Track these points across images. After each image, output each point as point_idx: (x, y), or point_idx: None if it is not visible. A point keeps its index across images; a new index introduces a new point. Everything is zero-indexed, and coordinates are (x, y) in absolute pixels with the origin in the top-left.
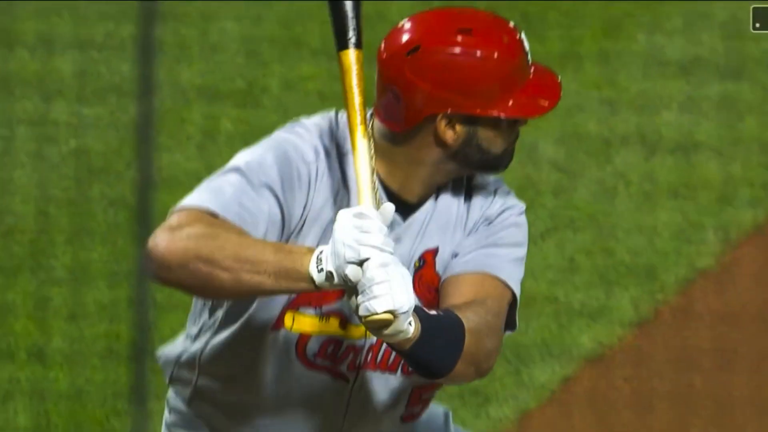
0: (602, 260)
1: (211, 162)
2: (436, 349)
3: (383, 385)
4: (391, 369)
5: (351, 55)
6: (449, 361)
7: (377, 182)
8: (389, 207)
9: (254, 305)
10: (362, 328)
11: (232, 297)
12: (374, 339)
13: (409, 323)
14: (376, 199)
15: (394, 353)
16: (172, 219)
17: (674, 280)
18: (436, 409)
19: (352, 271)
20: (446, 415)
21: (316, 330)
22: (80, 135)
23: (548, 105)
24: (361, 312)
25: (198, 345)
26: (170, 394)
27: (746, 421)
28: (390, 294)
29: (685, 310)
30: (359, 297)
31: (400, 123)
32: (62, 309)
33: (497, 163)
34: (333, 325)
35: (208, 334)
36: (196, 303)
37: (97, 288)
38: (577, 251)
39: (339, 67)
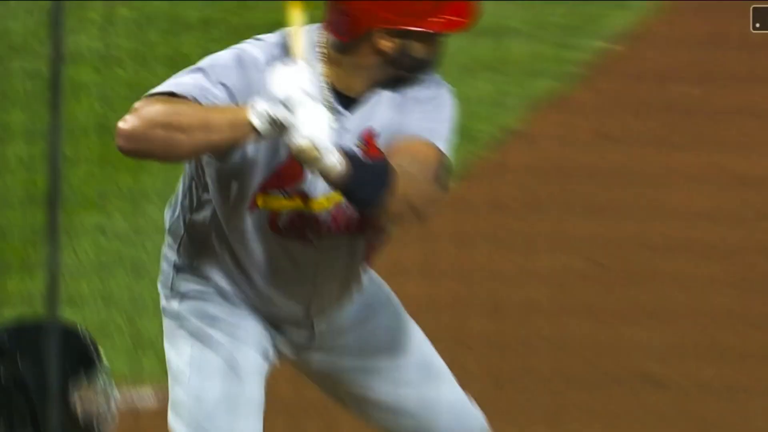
0: None
1: (108, 41)
2: (365, 184)
3: (343, 243)
4: (348, 231)
5: None
6: (378, 195)
7: (326, 88)
8: (315, 65)
9: (232, 192)
10: (322, 202)
11: (192, 156)
12: (331, 209)
13: (337, 160)
14: (307, 60)
15: (349, 221)
16: (137, 103)
17: (489, 139)
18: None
19: (281, 111)
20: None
21: (280, 207)
22: (2, 18)
23: (466, 22)
24: (290, 147)
25: (200, 216)
26: (177, 247)
27: (549, 251)
28: (310, 130)
29: (499, 164)
30: (288, 135)
31: (346, 35)
32: None
33: (425, 67)
34: (297, 202)
35: (209, 210)
36: (183, 180)
37: (17, 144)
38: None
39: None
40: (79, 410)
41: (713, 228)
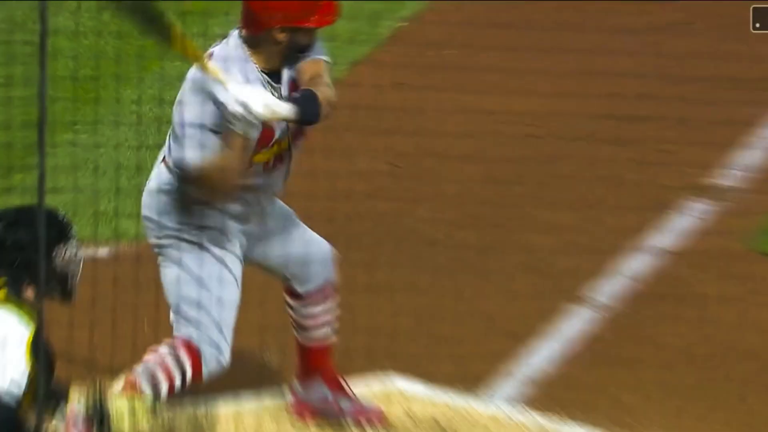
0: None
1: (77, 21)
2: (310, 110)
3: (294, 154)
4: (297, 144)
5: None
6: (319, 110)
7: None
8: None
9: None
10: (287, 140)
11: (241, 170)
12: (295, 143)
13: (287, 107)
14: (228, 81)
15: (298, 138)
16: (197, 179)
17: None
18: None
19: (238, 110)
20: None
21: (269, 155)
22: (9, 7)
23: (333, 18)
24: (260, 120)
25: None
26: (188, 197)
27: (363, 158)
28: (259, 103)
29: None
30: (253, 117)
31: (255, 31)
32: None
33: (309, 50)
34: (275, 149)
35: None
36: None
37: (18, 88)
38: None
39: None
40: (58, 262)
41: (466, 142)
